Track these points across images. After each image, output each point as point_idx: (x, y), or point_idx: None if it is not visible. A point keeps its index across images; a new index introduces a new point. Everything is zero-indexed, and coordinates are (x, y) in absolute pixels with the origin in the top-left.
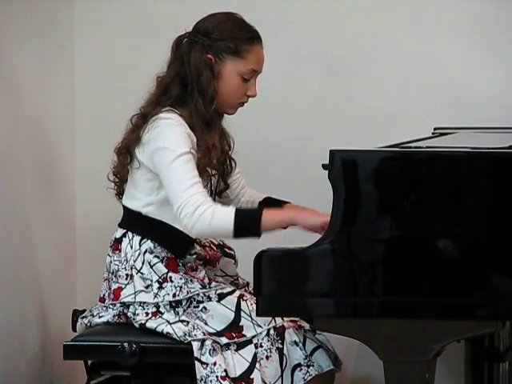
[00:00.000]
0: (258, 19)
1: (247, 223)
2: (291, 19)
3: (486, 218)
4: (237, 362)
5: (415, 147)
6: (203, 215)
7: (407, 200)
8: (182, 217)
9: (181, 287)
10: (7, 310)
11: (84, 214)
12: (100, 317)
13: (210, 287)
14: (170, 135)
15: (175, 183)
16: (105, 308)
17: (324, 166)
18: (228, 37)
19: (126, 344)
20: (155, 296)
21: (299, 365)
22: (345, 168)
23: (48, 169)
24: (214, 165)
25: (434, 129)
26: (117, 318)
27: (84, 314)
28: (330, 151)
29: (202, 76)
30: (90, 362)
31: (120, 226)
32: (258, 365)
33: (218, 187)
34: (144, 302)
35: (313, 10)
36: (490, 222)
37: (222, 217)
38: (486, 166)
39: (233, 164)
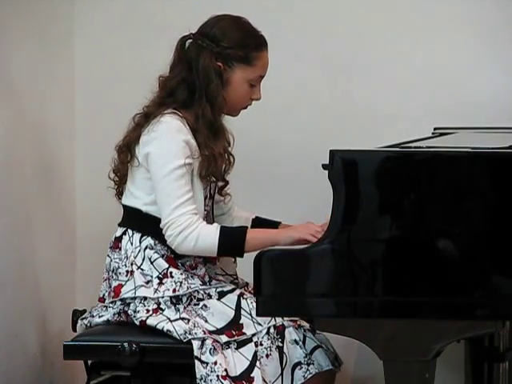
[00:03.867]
0: (258, 19)
1: (231, 246)
2: (292, 19)
3: (486, 217)
4: (237, 361)
5: (415, 147)
6: (188, 238)
7: (407, 200)
8: (167, 235)
9: (181, 282)
10: (7, 310)
11: (84, 213)
12: (100, 316)
13: (210, 285)
14: (167, 143)
15: (165, 199)
16: (105, 308)
17: (324, 166)
18: (237, 45)
19: (126, 344)
20: (155, 291)
21: (299, 363)
22: (345, 168)
23: (48, 169)
24: (218, 173)
25: (434, 129)
26: (117, 316)
27: (84, 316)
28: (330, 151)
29: (212, 84)
30: (90, 361)
31: (120, 225)
32: (258, 363)
33: (217, 187)
34: (144, 299)
35: (313, 10)
36: (490, 222)
37: (207, 239)
38: (486, 165)
39: (231, 159)
